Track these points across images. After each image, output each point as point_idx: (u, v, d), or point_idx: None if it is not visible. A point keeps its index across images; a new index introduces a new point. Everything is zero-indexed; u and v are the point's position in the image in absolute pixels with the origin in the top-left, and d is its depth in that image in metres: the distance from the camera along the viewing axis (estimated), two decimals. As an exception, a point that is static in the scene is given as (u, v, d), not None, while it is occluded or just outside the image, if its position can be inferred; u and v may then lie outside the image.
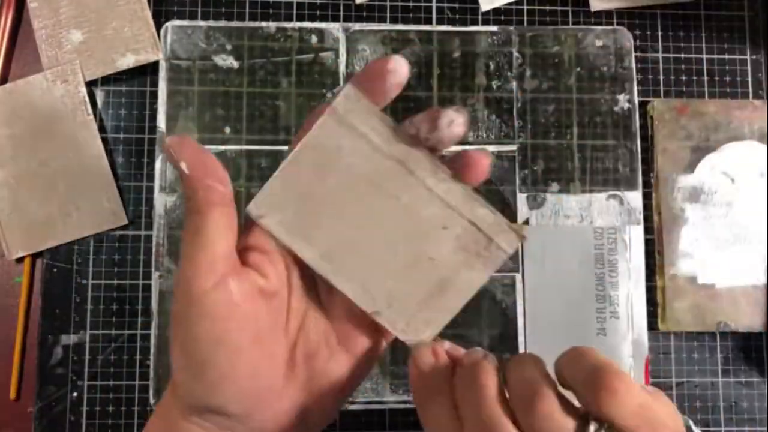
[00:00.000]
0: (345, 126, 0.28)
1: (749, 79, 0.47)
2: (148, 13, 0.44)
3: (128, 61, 0.44)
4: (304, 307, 0.29)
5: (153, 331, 0.42)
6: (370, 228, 0.29)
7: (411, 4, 0.46)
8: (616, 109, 0.46)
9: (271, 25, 0.45)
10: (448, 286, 0.29)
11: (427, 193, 0.28)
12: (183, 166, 0.26)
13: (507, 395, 0.25)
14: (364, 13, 0.46)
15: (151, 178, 0.44)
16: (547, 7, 0.47)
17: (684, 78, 0.47)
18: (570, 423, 0.22)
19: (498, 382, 0.25)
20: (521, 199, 0.45)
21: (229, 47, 0.45)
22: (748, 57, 0.48)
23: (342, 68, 0.45)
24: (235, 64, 0.45)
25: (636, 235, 0.45)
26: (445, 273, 0.29)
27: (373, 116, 0.28)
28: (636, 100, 0.46)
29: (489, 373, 0.25)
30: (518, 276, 0.44)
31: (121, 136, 0.44)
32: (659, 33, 0.47)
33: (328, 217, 0.28)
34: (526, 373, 0.24)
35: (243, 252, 0.28)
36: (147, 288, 0.43)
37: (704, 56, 0.47)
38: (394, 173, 0.28)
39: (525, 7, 0.47)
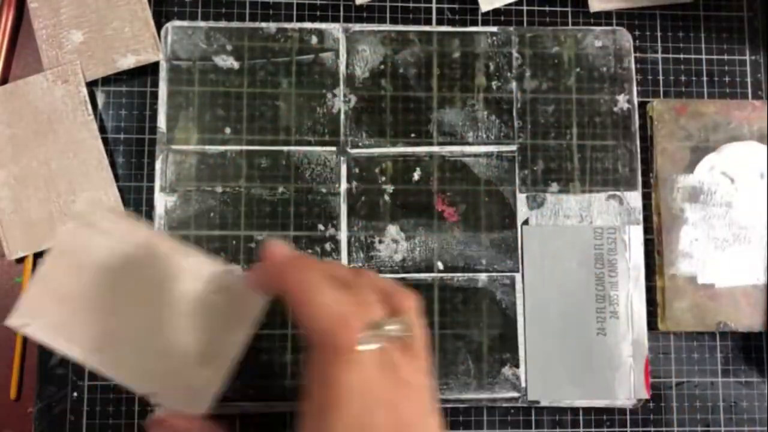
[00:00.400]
0: (88, 227, 0.31)
1: (749, 79, 0.48)
2: (149, 14, 0.44)
3: (129, 62, 0.44)
4: None
5: (153, 331, 0.42)
6: (130, 314, 0.31)
7: (411, 4, 0.46)
8: (615, 109, 0.46)
9: (272, 26, 0.45)
10: (215, 349, 0.32)
11: (177, 271, 0.31)
12: None
13: None
14: (364, 14, 0.46)
15: (151, 178, 0.44)
16: (547, 8, 0.47)
17: (683, 78, 0.47)
18: None
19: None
20: (521, 199, 0.45)
21: (229, 48, 0.45)
22: (747, 57, 0.48)
23: (342, 69, 0.45)
24: (236, 65, 0.45)
25: (636, 235, 0.45)
26: (210, 338, 0.31)
27: (112, 214, 0.32)
28: (635, 100, 0.46)
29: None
30: (518, 276, 0.44)
31: (122, 136, 0.44)
32: (659, 33, 0.47)
33: (90, 312, 0.31)
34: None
35: None
36: (147, 288, 0.43)
37: (704, 57, 0.47)
38: (142, 258, 0.31)
39: (525, 8, 0.47)
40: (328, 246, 0.44)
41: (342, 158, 0.45)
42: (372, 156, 0.45)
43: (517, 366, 0.43)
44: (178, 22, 0.45)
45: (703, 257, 0.44)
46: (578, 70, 0.46)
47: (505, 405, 0.43)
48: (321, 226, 0.44)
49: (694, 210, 0.45)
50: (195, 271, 0.32)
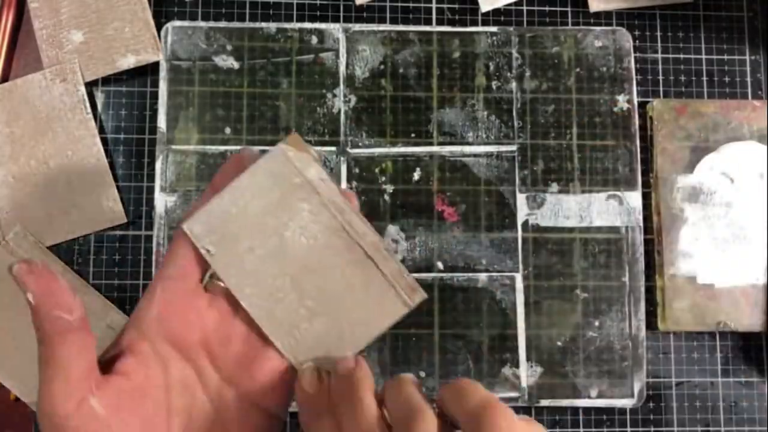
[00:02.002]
0: (289, 165, 0.29)
1: (748, 79, 0.48)
2: (149, 14, 0.44)
3: (129, 62, 0.44)
4: (189, 402, 0.28)
5: (153, 331, 0.42)
6: (285, 261, 0.29)
7: (411, 4, 0.46)
8: (615, 109, 0.46)
9: (272, 26, 0.45)
10: (348, 333, 0.30)
11: (348, 238, 0.29)
12: (29, 296, 0.25)
13: (386, 413, 0.26)
14: (364, 14, 0.46)
15: (151, 178, 0.44)
16: (547, 8, 0.47)
17: (683, 78, 0.47)
18: None
19: (373, 396, 0.26)
20: (521, 199, 0.45)
21: (229, 48, 0.45)
22: (747, 57, 0.48)
23: (342, 69, 0.45)
24: (236, 65, 0.45)
25: (635, 234, 0.45)
26: (350, 320, 0.30)
27: (314, 164, 0.30)
28: (635, 100, 0.46)
29: (364, 384, 0.27)
30: (518, 276, 0.44)
31: (122, 136, 0.44)
32: (658, 33, 0.47)
33: (251, 252, 0.29)
34: (404, 392, 0.26)
35: (113, 358, 0.27)
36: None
37: (703, 57, 0.48)
38: (329, 221, 0.29)
39: (524, 8, 0.47)
40: (328, 246, 0.44)
41: (342, 158, 0.45)
42: (372, 156, 0.45)
43: (517, 366, 0.43)
44: (178, 22, 0.45)
45: (703, 257, 0.44)
46: (578, 70, 0.46)
47: (505, 405, 0.43)
48: (321, 226, 0.44)
49: (694, 210, 0.45)
50: (368, 250, 0.29)
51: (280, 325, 0.29)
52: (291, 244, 0.29)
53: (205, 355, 0.29)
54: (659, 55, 0.47)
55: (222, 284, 0.29)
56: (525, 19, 0.47)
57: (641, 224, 0.45)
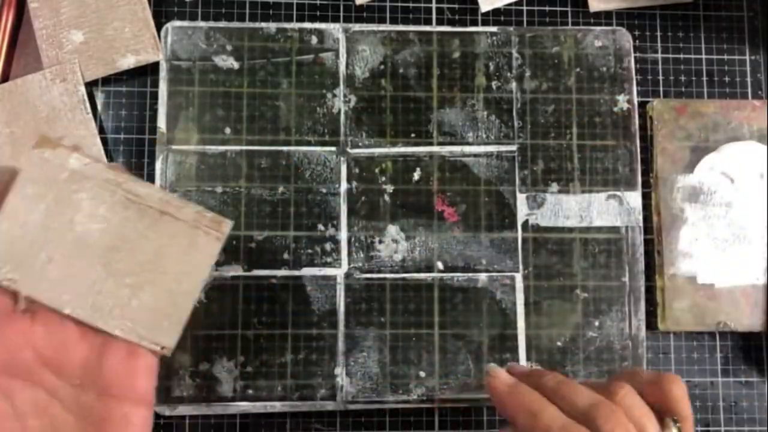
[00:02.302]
0: (49, 165, 0.30)
1: (749, 79, 0.48)
2: (149, 14, 0.44)
3: (129, 62, 0.44)
4: (48, 421, 0.28)
5: (153, 331, 0.42)
6: (87, 252, 0.30)
7: (411, 4, 0.46)
8: (615, 109, 0.46)
9: (271, 26, 0.45)
10: (177, 290, 0.31)
11: (136, 206, 0.30)
12: None
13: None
14: (364, 14, 0.46)
15: (151, 178, 0.44)
16: (547, 8, 0.47)
17: (683, 78, 0.47)
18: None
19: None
20: (521, 199, 0.45)
21: (229, 48, 0.45)
22: (747, 57, 0.48)
23: (342, 69, 0.45)
24: (236, 65, 0.45)
25: (635, 234, 0.45)
26: (172, 277, 0.30)
27: (73, 154, 0.30)
28: (635, 100, 0.46)
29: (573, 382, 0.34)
30: (518, 276, 0.44)
31: (122, 136, 0.44)
32: (658, 33, 0.47)
33: (51, 251, 0.29)
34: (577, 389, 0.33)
35: None
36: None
37: (704, 56, 0.48)
38: (111, 198, 0.30)
39: (525, 8, 0.47)
40: (328, 246, 0.44)
41: (342, 158, 0.45)
42: (372, 156, 0.45)
43: (517, 366, 0.43)
44: (178, 22, 0.45)
45: (703, 257, 0.44)
46: (578, 70, 0.46)
47: (505, 405, 0.43)
48: (321, 226, 0.44)
49: (694, 210, 0.45)
50: (153, 204, 0.30)
51: (110, 313, 0.30)
52: (87, 235, 0.30)
53: (48, 370, 0.29)
54: (659, 55, 0.47)
55: (39, 302, 0.29)
56: (525, 19, 0.47)
57: (641, 224, 0.45)
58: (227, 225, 0.31)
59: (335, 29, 0.45)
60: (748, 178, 0.45)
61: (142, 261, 0.30)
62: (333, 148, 0.45)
